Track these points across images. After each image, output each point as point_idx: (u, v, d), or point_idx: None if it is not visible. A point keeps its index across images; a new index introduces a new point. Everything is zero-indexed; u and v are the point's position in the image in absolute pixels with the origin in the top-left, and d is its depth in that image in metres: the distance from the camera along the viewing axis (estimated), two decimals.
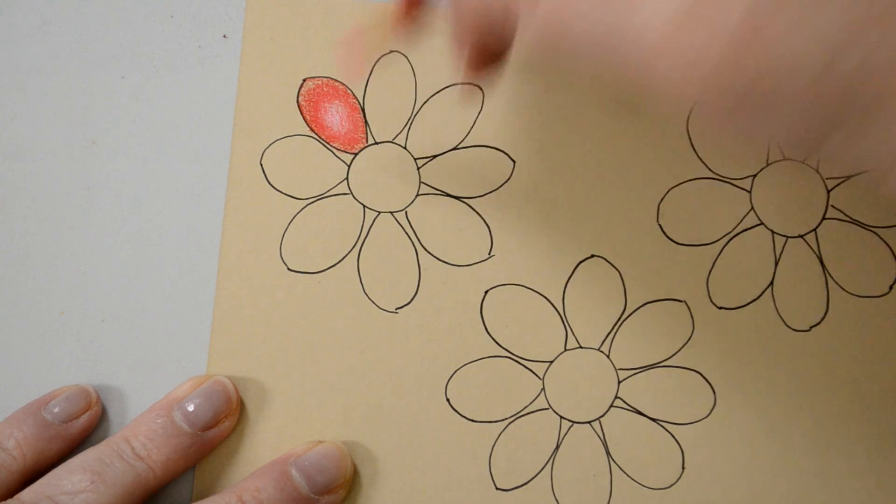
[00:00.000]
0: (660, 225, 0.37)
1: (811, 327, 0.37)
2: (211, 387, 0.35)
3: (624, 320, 0.37)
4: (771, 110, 0.21)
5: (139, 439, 0.34)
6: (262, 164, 0.37)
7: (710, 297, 0.37)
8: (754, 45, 0.20)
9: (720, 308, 0.37)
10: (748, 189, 0.37)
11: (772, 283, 0.37)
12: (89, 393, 0.36)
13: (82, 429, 0.35)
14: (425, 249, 0.37)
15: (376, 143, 0.37)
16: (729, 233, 0.37)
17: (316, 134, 0.37)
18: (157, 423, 0.34)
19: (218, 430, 0.35)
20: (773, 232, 0.37)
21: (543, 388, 0.37)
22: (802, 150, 0.22)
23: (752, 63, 0.20)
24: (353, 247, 0.37)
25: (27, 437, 0.34)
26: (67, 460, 0.33)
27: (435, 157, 0.37)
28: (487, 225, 0.37)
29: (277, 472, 0.34)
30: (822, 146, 0.22)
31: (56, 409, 0.35)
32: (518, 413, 0.37)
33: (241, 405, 0.36)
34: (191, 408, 0.35)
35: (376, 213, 0.37)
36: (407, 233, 0.37)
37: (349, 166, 0.37)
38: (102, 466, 0.33)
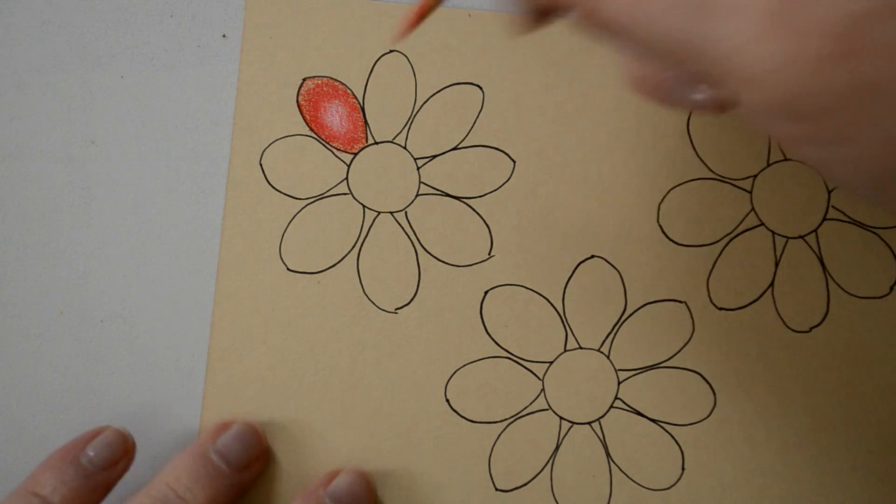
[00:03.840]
0: (660, 225, 0.37)
1: (811, 328, 0.37)
2: (242, 429, 0.35)
3: (624, 321, 0.37)
4: (869, 118, 0.19)
5: (182, 483, 0.33)
6: (261, 164, 0.37)
7: (710, 298, 0.37)
8: (867, 39, 0.19)
9: (720, 309, 0.37)
10: (749, 189, 0.37)
11: (772, 283, 0.37)
12: (126, 437, 0.35)
13: (119, 474, 0.34)
14: (425, 250, 0.37)
15: (376, 143, 0.37)
16: (729, 233, 0.37)
17: (316, 134, 0.37)
18: (198, 465, 0.34)
19: (251, 471, 0.35)
20: (773, 233, 0.37)
21: (543, 389, 0.37)
22: (874, 190, 0.21)
23: (864, 58, 0.19)
24: (353, 247, 0.37)
25: (74, 490, 0.33)
26: None
27: (435, 157, 0.37)
28: (487, 225, 0.37)
29: None
30: None
31: (93, 455, 0.34)
32: (518, 414, 0.37)
33: (245, 401, 0.36)
34: (225, 449, 0.34)
35: (376, 213, 0.37)
36: (407, 233, 0.37)
37: (349, 166, 0.37)
38: None
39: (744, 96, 0.20)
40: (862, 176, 0.20)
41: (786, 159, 0.37)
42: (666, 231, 0.37)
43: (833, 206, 0.37)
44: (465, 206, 0.37)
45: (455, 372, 0.37)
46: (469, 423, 0.37)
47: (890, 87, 0.19)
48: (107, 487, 0.34)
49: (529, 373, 0.37)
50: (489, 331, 0.37)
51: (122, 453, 0.34)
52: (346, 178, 0.37)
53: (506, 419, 0.37)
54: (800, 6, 0.19)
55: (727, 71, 0.20)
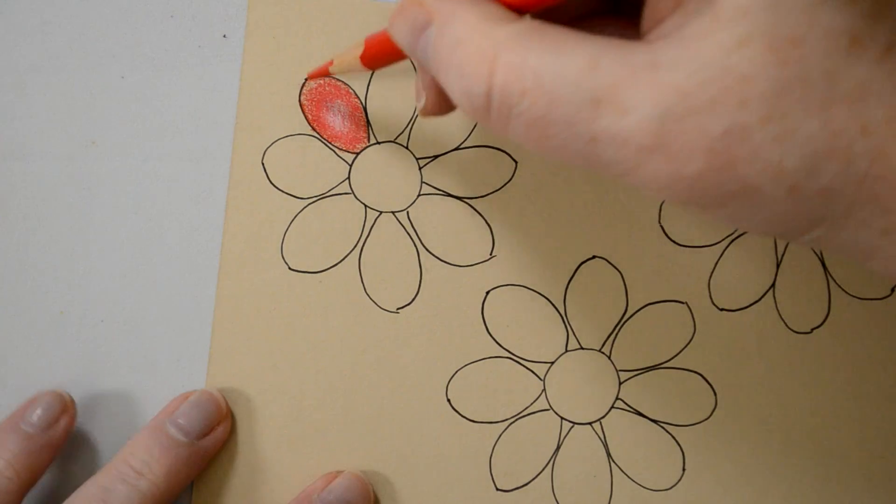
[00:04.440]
0: (661, 226, 0.37)
1: (812, 329, 0.37)
2: (199, 397, 0.35)
3: (625, 321, 0.37)
4: (753, 209, 0.22)
5: (137, 457, 0.34)
6: (263, 164, 0.36)
7: (711, 299, 0.37)
8: (737, 154, 0.21)
9: (721, 310, 0.37)
10: None
11: (773, 284, 0.37)
12: (62, 396, 0.36)
13: (64, 432, 0.35)
14: (427, 250, 0.37)
15: (378, 143, 0.37)
16: (731, 234, 0.37)
17: (318, 133, 0.37)
18: (153, 439, 0.34)
19: (213, 437, 0.35)
20: None
21: (544, 389, 0.37)
22: (783, 239, 0.24)
23: (733, 170, 0.21)
24: (355, 247, 0.37)
25: (16, 455, 0.34)
26: (70, 496, 0.33)
27: (437, 157, 0.37)
28: (489, 225, 0.37)
29: None
30: (801, 238, 0.23)
31: (34, 419, 0.35)
32: (519, 414, 0.37)
33: (246, 401, 0.36)
34: (182, 420, 0.35)
35: (378, 213, 0.37)
36: (408, 233, 0.37)
37: (351, 166, 0.37)
38: (106, 494, 0.33)
39: (653, 196, 0.23)
40: (765, 234, 0.24)
41: None
42: (667, 232, 0.37)
43: None
44: (466, 206, 0.37)
45: (456, 372, 0.37)
46: (470, 422, 0.37)
47: (765, 188, 0.22)
48: (52, 447, 0.35)
49: (530, 373, 0.37)
50: (490, 331, 0.37)
51: (59, 411, 0.35)
52: (348, 178, 0.37)
53: (507, 419, 0.37)
54: (672, 135, 0.21)
55: (628, 182, 0.23)
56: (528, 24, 0.23)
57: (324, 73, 0.35)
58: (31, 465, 0.34)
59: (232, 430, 0.36)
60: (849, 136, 0.21)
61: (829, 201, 0.22)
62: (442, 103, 0.29)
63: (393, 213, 0.37)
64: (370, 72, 0.32)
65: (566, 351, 0.37)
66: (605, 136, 0.22)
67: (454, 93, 0.24)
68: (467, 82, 0.23)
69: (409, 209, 0.37)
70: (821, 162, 0.21)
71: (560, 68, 0.22)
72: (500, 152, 0.37)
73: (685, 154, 0.21)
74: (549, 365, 0.37)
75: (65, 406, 0.35)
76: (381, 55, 0.30)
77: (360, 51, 0.31)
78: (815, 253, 0.37)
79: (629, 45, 0.22)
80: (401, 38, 0.26)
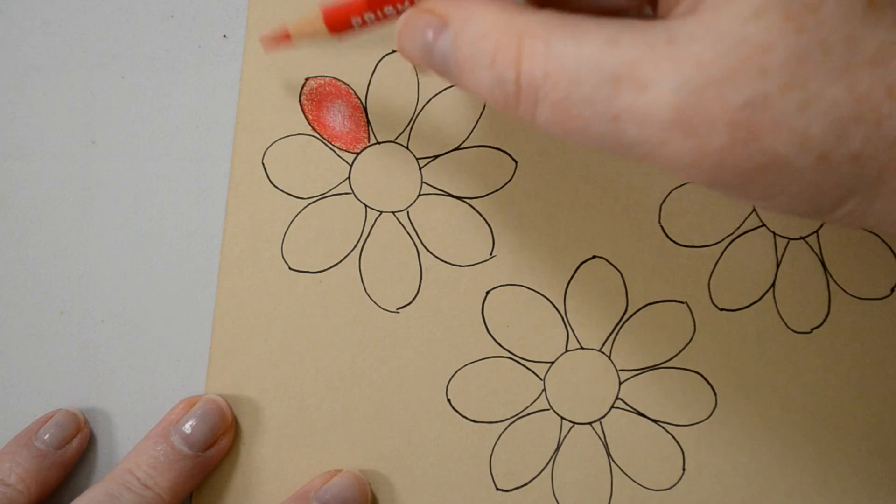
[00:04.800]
0: (661, 226, 0.37)
1: (812, 329, 0.37)
2: (204, 406, 0.35)
3: (625, 321, 0.37)
4: (783, 182, 0.22)
5: (143, 469, 0.34)
6: (263, 164, 0.36)
7: (711, 299, 0.37)
8: (760, 125, 0.21)
9: (721, 309, 0.37)
10: None
11: (773, 284, 0.37)
12: (77, 416, 0.36)
13: (76, 452, 0.36)
14: (427, 249, 0.37)
15: (378, 143, 0.37)
16: (731, 234, 0.37)
17: (318, 133, 0.36)
18: (158, 451, 0.34)
19: (217, 448, 0.35)
20: (774, 234, 0.37)
21: (544, 389, 0.37)
22: (814, 217, 0.23)
23: (758, 141, 0.21)
24: (355, 246, 0.37)
25: (27, 470, 0.34)
26: (75, 500, 0.34)
27: (437, 157, 0.37)
28: (489, 225, 0.37)
29: None
30: (833, 214, 0.23)
31: (47, 437, 0.35)
32: (519, 414, 0.37)
33: (246, 401, 0.36)
34: (188, 430, 0.35)
35: (378, 213, 0.37)
36: (409, 233, 0.37)
37: (351, 166, 0.37)
38: (113, 500, 0.33)
39: (678, 176, 0.23)
40: (795, 212, 0.23)
41: None
42: (667, 231, 0.37)
43: None
44: (466, 206, 0.37)
45: (456, 372, 0.37)
46: (470, 422, 0.37)
47: (793, 158, 0.21)
48: (63, 466, 0.35)
49: (530, 373, 0.37)
50: (490, 331, 0.37)
51: (73, 431, 0.35)
52: (349, 178, 0.37)
53: (507, 419, 0.37)
54: (693, 108, 0.21)
55: (653, 163, 0.22)
56: (548, 13, 0.23)
57: (284, 40, 0.32)
58: (42, 482, 0.34)
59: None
60: (875, 99, 0.21)
61: (860, 168, 0.21)
62: None
63: (393, 213, 0.37)
64: (336, 39, 0.30)
65: (566, 351, 0.37)
66: (626, 113, 0.22)
67: (483, 87, 0.24)
68: (497, 70, 0.24)
69: (409, 209, 0.37)
70: (849, 127, 0.21)
71: (580, 48, 0.22)
72: (500, 152, 0.37)
73: (707, 128, 0.21)
74: (549, 365, 0.37)
75: (78, 426, 0.36)
76: (344, 13, 0.29)
77: (319, 12, 0.29)
78: (815, 253, 0.37)
79: (648, 23, 0.22)
80: (413, 49, 0.26)
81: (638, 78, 0.21)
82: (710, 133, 0.21)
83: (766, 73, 0.21)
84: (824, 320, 0.37)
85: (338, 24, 0.29)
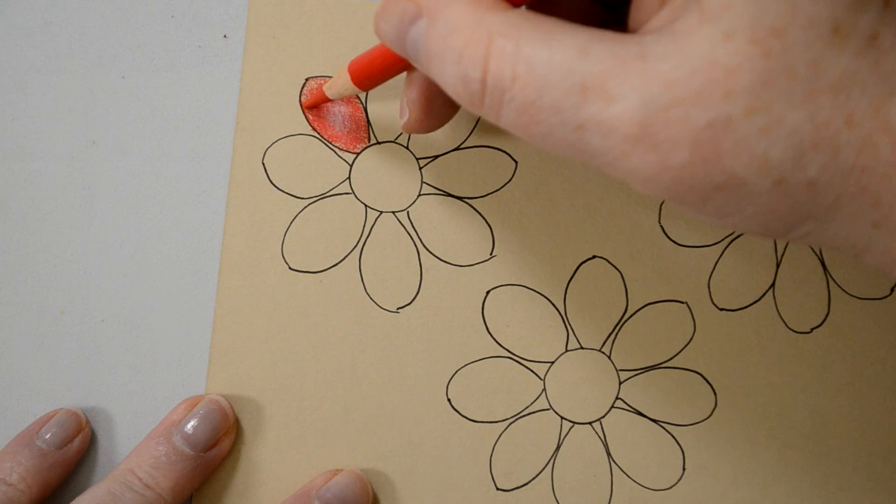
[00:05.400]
0: (661, 226, 0.37)
1: (812, 329, 0.37)
2: (207, 406, 0.35)
3: (625, 321, 0.37)
4: (739, 203, 0.22)
5: (144, 469, 0.34)
6: (264, 164, 0.36)
7: (711, 299, 0.37)
8: (722, 145, 0.21)
9: (721, 309, 0.37)
10: None
11: (773, 284, 0.37)
12: (78, 416, 0.36)
13: (77, 452, 0.36)
14: (427, 249, 0.37)
15: (378, 143, 0.37)
16: (731, 234, 0.37)
17: (318, 133, 0.37)
18: (160, 451, 0.34)
19: (218, 449, 0.35)
20: None
21: (544, 389, 0.37)
22: (769, 237, 0.24)
23: (719, 161, 0.21)
24: (355, 246, 0.37)
25: (28, 469, 0.34)
26: (77, 498, 0.34)
27: (437, 157, 0.37)
28: (489, 225, 0.37)
29: None
30: (787, 236, 0.23)
31: (48, 436, 0.35)
32: (519, 413, 0.37)
33: (246, 400, 0.36)
34: (190, 430, 0.35)
35: (378, 213, 0.37)
36: (409, 232, 0.37)
37: (351, 166, 0.37)
38: (115, 500, 0.33)
39: (637, 188, 0.23)
40: (749, 231, 0.24)
41: None
42: (667, 231, 0.37)
43: None
44: (466, 206, 0.37)
45: (456, 371, 0.37)
46: (470, 422, 0.37)
47: (750, 180, 0.21)
48: (64, 465, 0.35)
49: (531, 373, 0.37)
50: (490, 331, 0.37)
51: (75, 431, 0.35)
52: (349, 178, 0.37)
53: (507, 419, 0.37)
54: (657, 125, 0.21)
55: (613, 173, 0.23)
56: (521, 13, 0.24)
57: (321, 100, 0.36)
58: (44, 481, 0.34)
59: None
60: (834, 127, 0.21)
61: (816, 194, 0.22)
62: (424, 119, 0.30)
63: (393, 212, 0.37)
64: (365, 92, 0.33)
65: (566, 351, 0.37)
66: (591, 123, 0.22)
67: (448, 81, 0.24)
68: (464, 67, 0.24)
69: (409, 209, 0.37)
70: (807, 153, 0.21)
71: (551, 55, 0.22)
72: (500, 152, 0.37)
73: (670, 144, 0.21)
74: (549, 365, 0.37)
75: (79, 426, 0.36)
76: (370, 73, 0.31)
77: (348, 76, 0.32)
78: (814, 253, 0.37)
79: (620, 36, 0.22)
80: (388, 35, 0.26)
81: (606, 90, 0.22)
82: (672, 150, 0.21)
83: (731, 95, 0.21)
84: (824, 320, 0.37)
85: (367, 84, 0.32)
